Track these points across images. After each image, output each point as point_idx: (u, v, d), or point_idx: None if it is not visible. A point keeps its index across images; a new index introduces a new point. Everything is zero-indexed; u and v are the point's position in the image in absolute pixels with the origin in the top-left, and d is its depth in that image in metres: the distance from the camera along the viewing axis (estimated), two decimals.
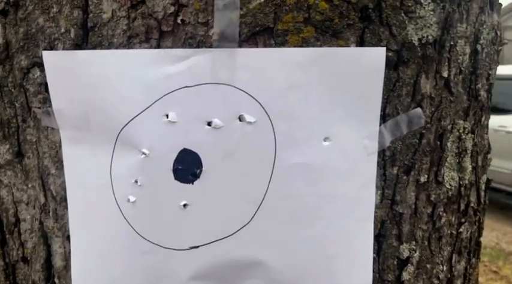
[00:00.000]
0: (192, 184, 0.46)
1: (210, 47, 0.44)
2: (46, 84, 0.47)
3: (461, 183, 0.57)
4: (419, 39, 0.48)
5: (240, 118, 0.45)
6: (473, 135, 0.58)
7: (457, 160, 0.56)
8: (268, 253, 0.49)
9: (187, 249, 0.47)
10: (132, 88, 0.44)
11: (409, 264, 0.55)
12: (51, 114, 0.48)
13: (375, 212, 0.52)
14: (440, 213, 0.57)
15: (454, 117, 0.54)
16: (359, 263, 0.52)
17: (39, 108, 0.48)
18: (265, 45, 0.45)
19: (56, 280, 0.53)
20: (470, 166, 0.58)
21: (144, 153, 0.45)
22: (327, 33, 0.46)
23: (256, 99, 0.45)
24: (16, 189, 0.52)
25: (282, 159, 0.47)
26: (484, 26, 0.55)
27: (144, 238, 0.47)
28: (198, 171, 0.46)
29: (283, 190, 0.48)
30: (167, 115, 0.45)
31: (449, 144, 0.55)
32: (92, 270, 0.50)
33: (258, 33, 0.45)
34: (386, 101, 0.50)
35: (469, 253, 0.64)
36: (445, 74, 0.52)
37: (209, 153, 0.46)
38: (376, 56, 0.47)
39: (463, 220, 0.60)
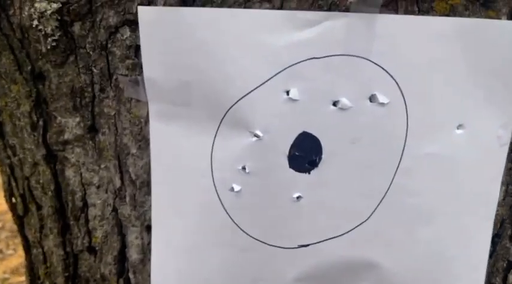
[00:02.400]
0: (309, 173, 0.39)
1: (345, 10, 0.37)
2: (137, 48, 0.39)
3: None
4: None
5: (371, 99, 0.38)
6: None
7: None
8: (382, 253, 0.43)
9: (295, 248, 0.41)
10: (249, 56, 0.37)
11: None
12: (139, 83, 0.40)
13: (496, 210, 0.46)
14: None
15: None
16: (474, 266, 0.46)
17: (126, 75, 0.40)
18: (407, 12, 0.38)
19: (131, 275, 0.46)
20: None
21: (256, 135, 0.38)
22: (477, 1, 0.39)
23: (392, 76, 0.38)
24: (85, 169, 0.45)
25: (411, 147, 0.40)
26: None
27: (246, 233, 0.41)
28: (317, 158, 0.39)
29: (409, 183, 0.41)
30: (288, 92, 0.38)
31: None
32: (177, 266, 0.44)
33: None
34: None
35: None
36: None
37: (331, 138, 0.39)
38: None
39: None
